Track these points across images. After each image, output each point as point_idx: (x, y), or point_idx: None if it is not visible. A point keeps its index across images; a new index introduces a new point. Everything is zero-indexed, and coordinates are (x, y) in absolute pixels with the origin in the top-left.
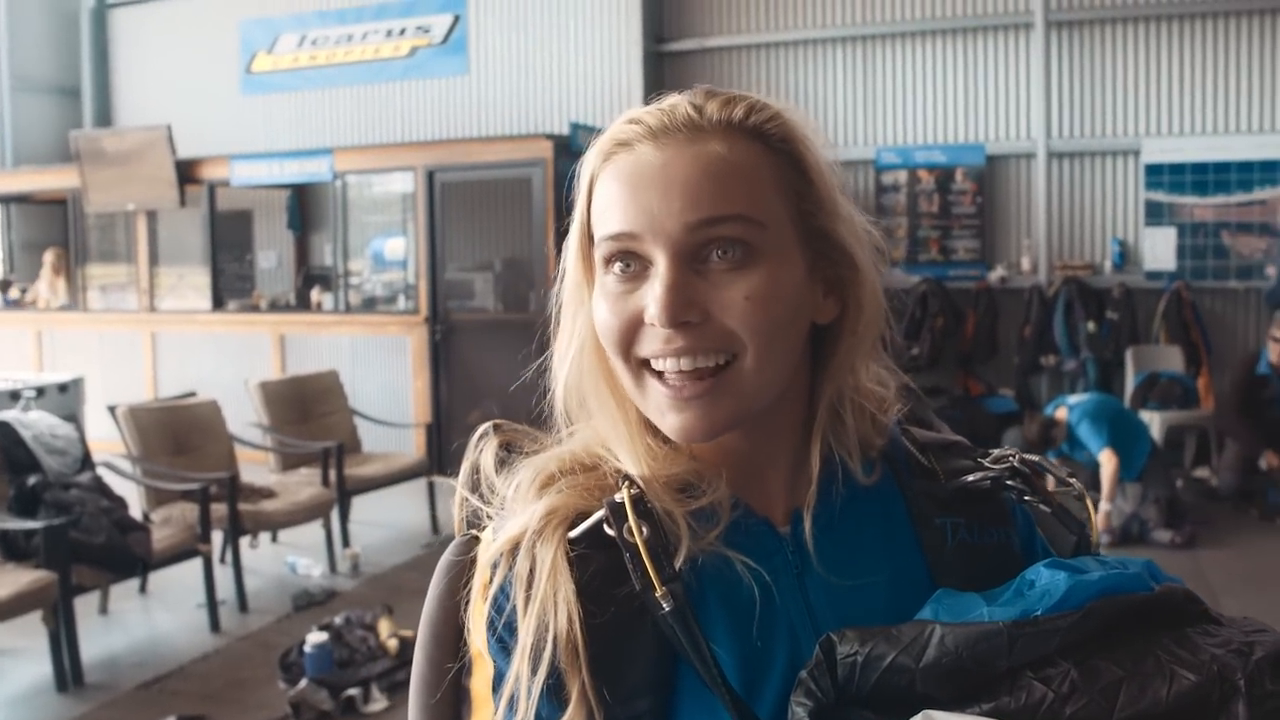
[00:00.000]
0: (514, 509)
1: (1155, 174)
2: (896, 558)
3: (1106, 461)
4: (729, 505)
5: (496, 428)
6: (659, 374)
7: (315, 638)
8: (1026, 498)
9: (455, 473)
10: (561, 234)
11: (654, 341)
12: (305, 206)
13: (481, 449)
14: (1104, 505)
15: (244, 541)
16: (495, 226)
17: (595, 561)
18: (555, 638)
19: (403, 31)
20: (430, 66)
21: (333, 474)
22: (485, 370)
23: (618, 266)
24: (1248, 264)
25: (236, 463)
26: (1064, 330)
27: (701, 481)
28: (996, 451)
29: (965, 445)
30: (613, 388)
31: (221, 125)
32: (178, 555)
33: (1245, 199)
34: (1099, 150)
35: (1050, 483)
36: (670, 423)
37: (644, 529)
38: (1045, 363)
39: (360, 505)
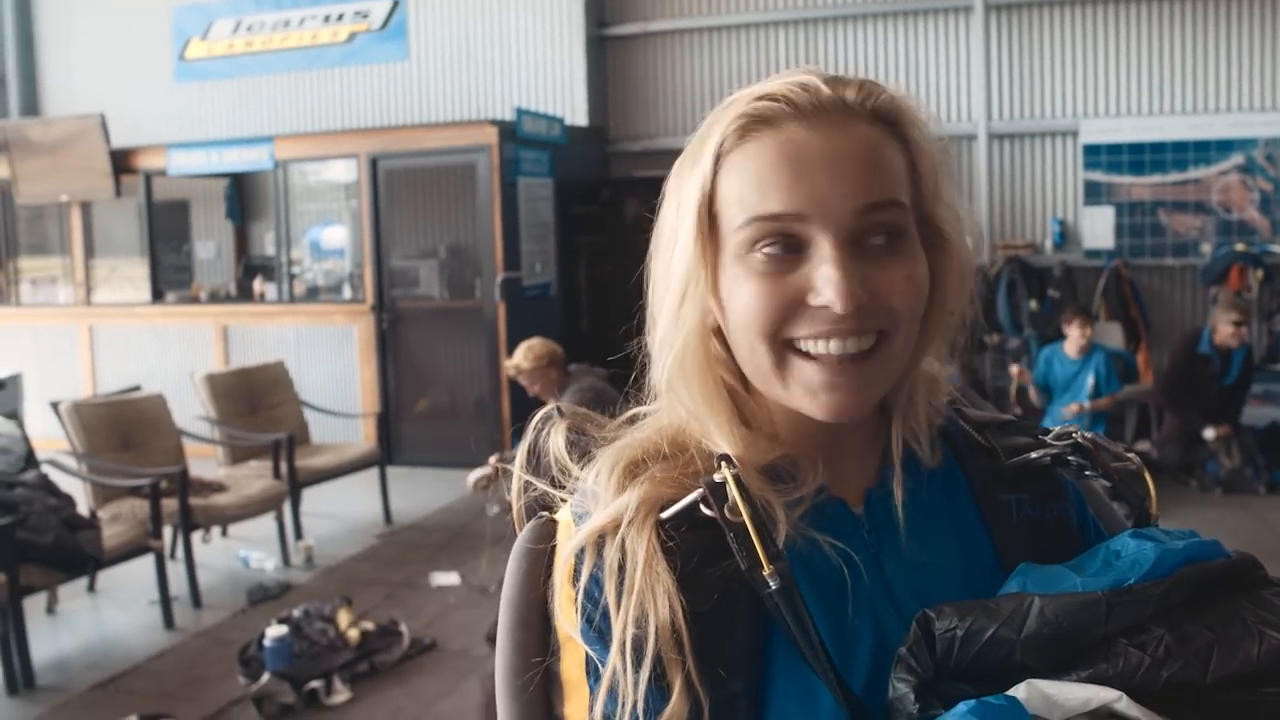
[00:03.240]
0: (597, 496)
1: (1093, 154)
2: (964, 536)
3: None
4: (814, 489)
5: (560, 412)
6: (808, 355)
7: (275, 631)
8: (1087, 473)
9: (508, 458)
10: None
11: (818, 323)
12: (244, 195)
13: (547, 432)
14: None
15: (195, 536)
16: (440, 213)
17: (689, 543)
18: (657, 630)
19: (340, 17)
20: (370, 52)
21: (284, 466)
22: (433, 358)
23: (772, 248)
24: (1183, 242)
25: (185, 457)
26: (1007, 309)
27: (792, 467)
28: (1058, 429)
29: (1021, 423)
30: (713, 373)
31: (155, 113)
32: (129, 552)
33: (1180, 178)
34: (1038, 131)
35: (1108, 458)
36: (823, 402)
37: (747, 506)
38: (989, 341)
39: (312, 496)
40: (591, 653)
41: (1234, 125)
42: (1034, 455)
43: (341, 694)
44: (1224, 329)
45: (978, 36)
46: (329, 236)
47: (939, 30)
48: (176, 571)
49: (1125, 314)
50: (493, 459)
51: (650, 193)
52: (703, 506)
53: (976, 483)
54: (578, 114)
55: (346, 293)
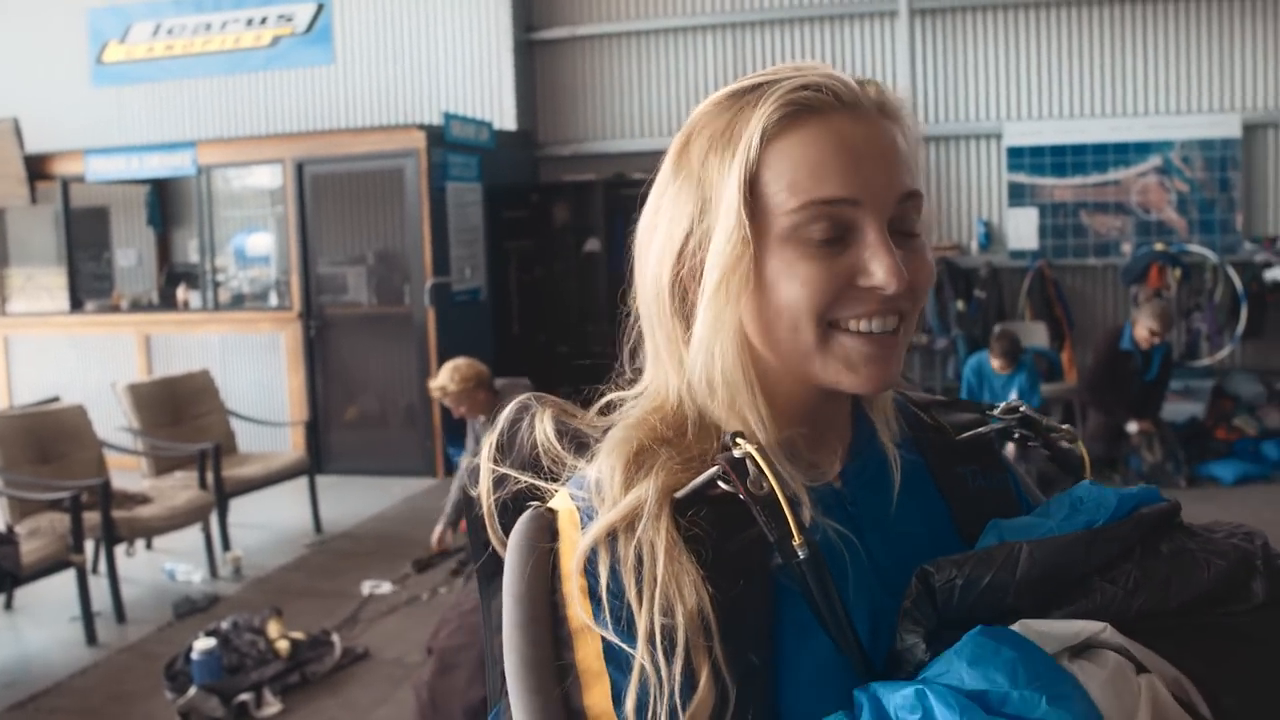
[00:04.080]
0: (602, 488)
1: (1017, 156)
2: (926, 506)
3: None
4: (838, 469)
5: (539, 400)
6: (852, 332)
7: (202, 644)
8: (1031, 443)
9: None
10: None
11: (866, 303)
12: (166, 202)
13: (529, 423)
14: None
15: (119, 550)
16: (368, 219)
17: (706, 523)
18: (685, 619)
19: (264, 20)
20: (294, 56)
21: (210, 476)
22: (362, 364)
23: (824, 232)
24: (1105, 242)
25: (107, 469)
26: (934, 309)
27: (798, 446)
28: (1004, 404)
29: (961, 401)
30: (747, 352)
31: (72, 118)
32: (48, 568)
33: (1101, 179)
34: (963, 134)
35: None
36: (864, 375)
37: (776, 479)
38: (917, 341)
39: (239, 507)
40: (616, 640)
41: (1152, 128)
42: (984, 429)
43: (272, 706)
44: (1141, 333)
45: (903, 40)
46: (254, 243)
47: (865, 34)
48: (100, 586)
49: (1050, 313)
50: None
51: (580, 197)
52: (720, 483)
53: (932, 457)
54: (506, 118)
55: (273, 300)
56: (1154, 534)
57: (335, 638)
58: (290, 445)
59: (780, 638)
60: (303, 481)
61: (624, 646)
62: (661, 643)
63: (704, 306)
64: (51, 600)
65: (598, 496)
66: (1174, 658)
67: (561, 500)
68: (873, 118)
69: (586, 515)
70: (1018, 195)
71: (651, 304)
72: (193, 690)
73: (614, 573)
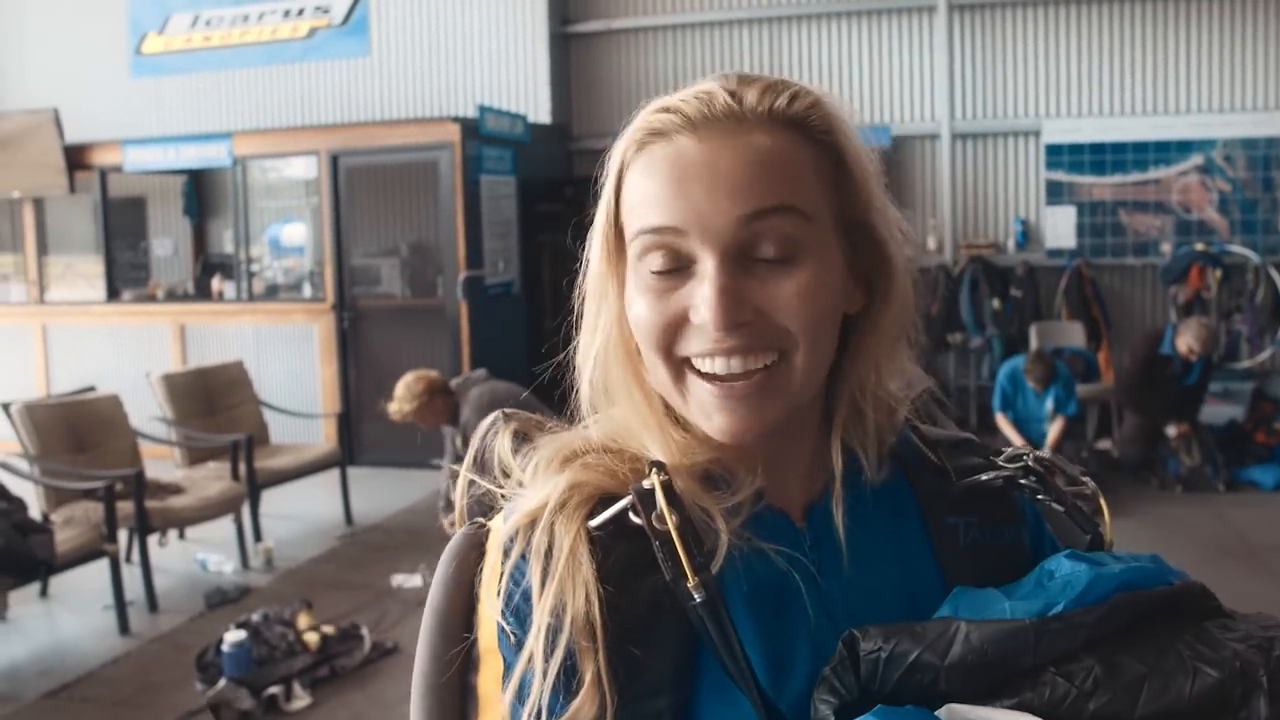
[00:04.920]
0: (533, 485)
1: (1055, 154)
2: (909, 556)
3: (1059, 423)
4: (753, 498)
5: (507, 416)
6: (703, 374)
7: (233, 636)
8: (1040, 496)
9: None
10: (583, 225)
11: (702, 341)
12: (202, 192)
13: (494, 436)
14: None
15: (152, 540)
16: (401, 211)
17: (617, 550)
18: (573, 619)
19: (301, 12)
20: (330, 48)
21: (242, 467)
22: (395, 357)
23: (657, 262)
24: (1144, 241)
25: (141, 459)
26: (970, 308)
27: (728, 473)
28: (1009, 450)
29: (976, 443)
30: (638, 379)
31: (111, 108)
32: (82, 556)
33: (1140, 178)
34: (1001, 131)
35: (1062, 481)
36: (718, 424)
37: (675, 516)
38: (952, 340)
39: (271, 498)
40: (505, 660)
41: (1193, 126)
42: (984, 478)
43: (301, 699)
44: (1182, 347)
45: (941, 36)
46: (289, 234)
47: (903, 29)
48: (133, 575)
49: (1086, 313)
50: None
51: None
52: (631, 514)
53: (925, 503)
54: (541, 111)
55: (307, 291)
56: (1143, 623)
57: (365, 631)
58: (322, 437)
59: (699, 681)
60: (334, 473)
61: (515, 633)
62: (547, 639)
63: (583, 338)
64: (85, 589)
65: (522, 492)
66: None
67: (498, 518)
68: (725, 133)
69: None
70: (1056, 193)
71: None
72: (222, 682)
73: (519, 569)
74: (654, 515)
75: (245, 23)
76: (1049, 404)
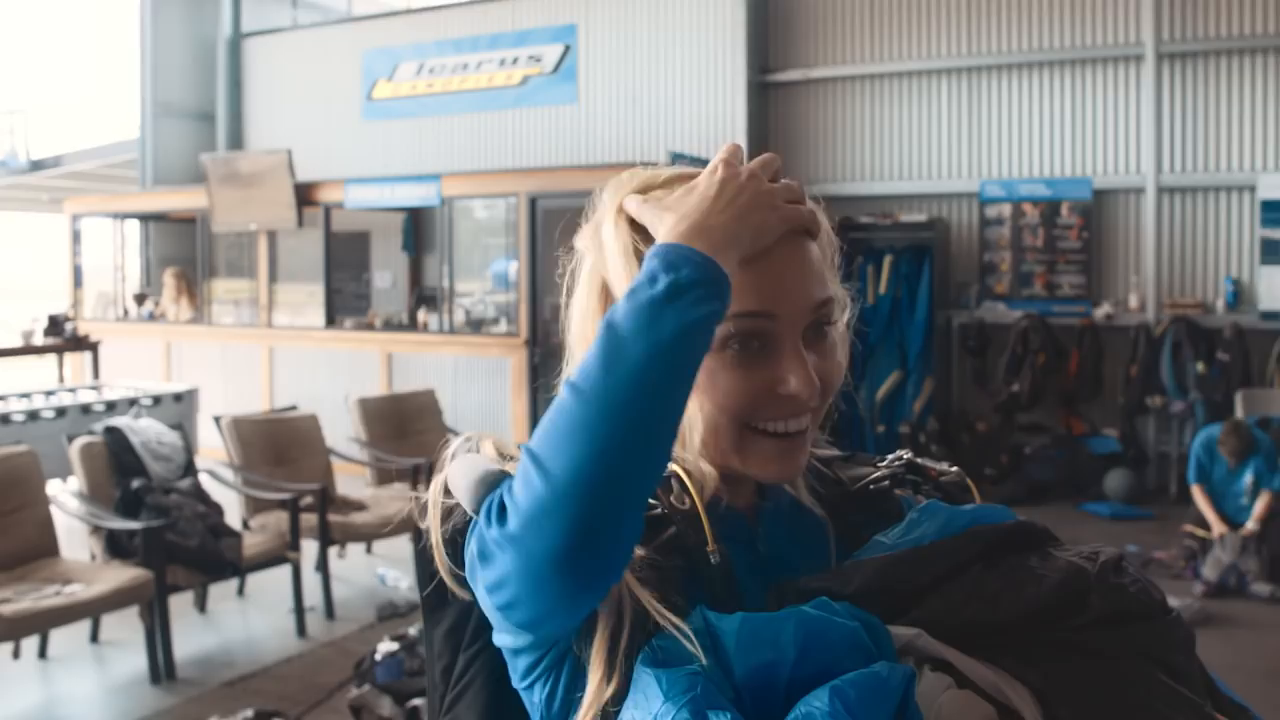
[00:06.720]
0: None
1: (1272, 210)
2: (823, 552)
3: (1265, 498)
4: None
5: (481, 436)
6: (770, 433)
7: (385, 646)
8: (924, 486)
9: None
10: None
11: (781, 408)
12: (419, 229)
13: (474, 448)
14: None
15: (332, 551)
16: None
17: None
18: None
19: (515, 61)
20: (541, 95)
21: (423, 489)
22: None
23: (746, 344)
24: None
25: (332, 475)
26: (1171, 370)
27: (723, 481)
28: (890, 455)
29: (861, 455)
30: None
31: (343, 149)
32: (270, 561)
33: None
34: (1212, 185)
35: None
36: (773, 471)
37: (699, 495)
38: (1151, 403)
39: None
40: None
41: None
42: (873, 478)
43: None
44: None
45: (1148, 86)
46: (498, 270)
47: (1108, 79)
48: (318, 583)
49: None
50: None
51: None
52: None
53: (829, 509)
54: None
55: (504, 326)
56: (1001, 553)
57: None
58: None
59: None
60: None
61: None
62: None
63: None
64: (275, 592)
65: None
66: (1017, 671)
67: None
68: (792, 235)
69: None
70: (1272, 252)
71: None
72: (366, 686)
73: None
74: (672, 496)
75: (464, 70)
76: (1248, 478)
